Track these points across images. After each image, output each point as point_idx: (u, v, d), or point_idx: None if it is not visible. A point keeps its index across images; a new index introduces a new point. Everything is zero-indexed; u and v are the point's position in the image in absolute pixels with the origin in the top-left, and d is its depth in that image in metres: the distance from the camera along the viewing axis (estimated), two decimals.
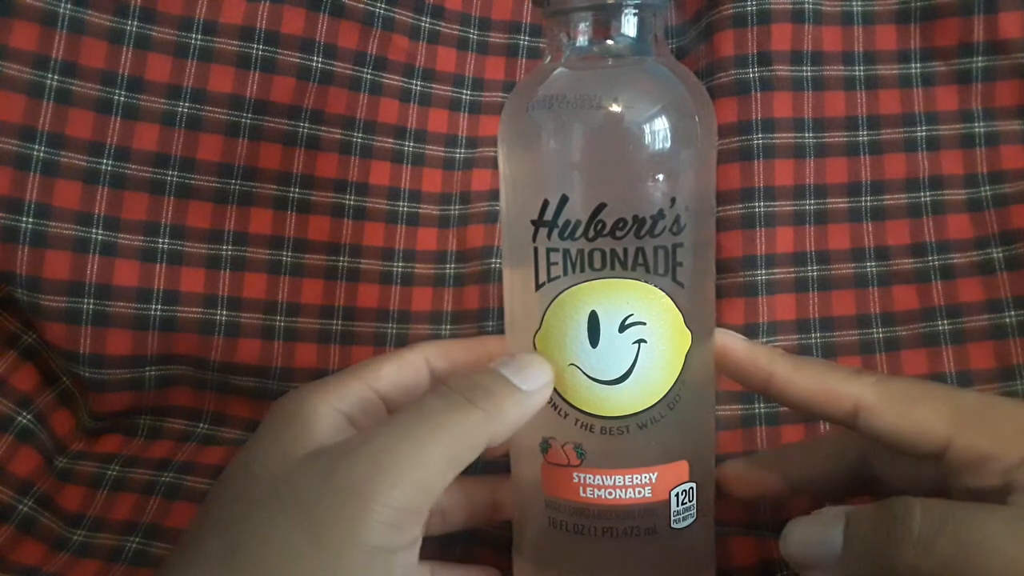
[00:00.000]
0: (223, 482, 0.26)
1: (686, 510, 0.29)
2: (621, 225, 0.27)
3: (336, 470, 0.23)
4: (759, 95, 0.41)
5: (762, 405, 0.40)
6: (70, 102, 0.39)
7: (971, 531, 0.23)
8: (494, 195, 0.43)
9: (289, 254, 0.42)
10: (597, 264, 0.28)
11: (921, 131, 0.41)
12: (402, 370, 0.29)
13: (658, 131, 0.28)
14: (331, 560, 0.22)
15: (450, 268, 0.43)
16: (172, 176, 0.40)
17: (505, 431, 0.26)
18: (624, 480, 0.29)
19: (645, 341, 0.28)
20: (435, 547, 0.38)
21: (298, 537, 0.23)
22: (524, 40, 0.45)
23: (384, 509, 0.23)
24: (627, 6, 0.28)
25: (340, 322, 0.42)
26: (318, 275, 0.42)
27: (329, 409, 0.26)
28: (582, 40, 0.29)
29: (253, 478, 0.25)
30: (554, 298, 0.28)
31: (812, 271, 0.40)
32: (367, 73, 0.43)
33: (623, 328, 0.28)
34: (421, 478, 0.24)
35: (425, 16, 0.44)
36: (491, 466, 0.40)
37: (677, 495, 0.29)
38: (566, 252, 0.28)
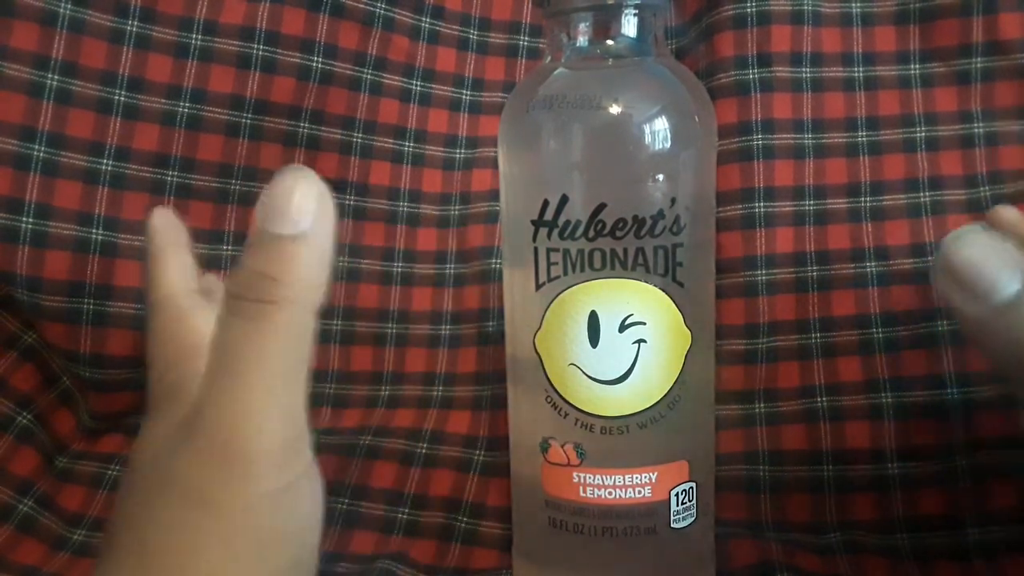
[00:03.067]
0: (126, 471, 0.24)
1: (686, 510, 0.30)
2: (621, 225, 0.28)
3: (202, 442, 0.21)
4: (759, 96, 0.41)
5: (762, 405, 0.40)
6: (70, 102, 0.39)
7: None
8: (494, 195, 0.43)
9: None
10: (597, 264, 0.28)
11: (920, 132, 0.41)
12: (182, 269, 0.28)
13: (658, 131, 0.28)
14: (238, 525, 0.21)
15: (450, 268, 0.43)
16: (172, 176, 0.41)
17: (317, 292, 0.23)
18: (624, 480, 0.29)
19: (645, 341, 0.28)
20: (431, 548, 0.38)
21: (197, 517, 0.21)
22: (524, 40, 0.45)
23: (264, 457, 0.21)
24: (627, 6, 0.28)
25: (339, 322, 0.42)
26: None
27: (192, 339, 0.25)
28: (582, 40, 0.29)
29: (143, 465, 0.23)
30: (554, 298, 0.28)
31: (812, 271, 0.40)
32: (367, 73, 0.43)
33: (623, 328, 0.28)
34: (278, 406, 0.22)
35: (425, 16, 0.44)
36: (490, 466, 0.40)
37: (677, 495, 0.29)
38: (566, 252, 0.28)
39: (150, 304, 0.28)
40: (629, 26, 0.29)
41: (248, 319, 0.21)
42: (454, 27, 0.44)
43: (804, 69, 0.42)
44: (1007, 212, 0.32)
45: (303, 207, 0.22)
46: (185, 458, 0.22)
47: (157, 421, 0.24)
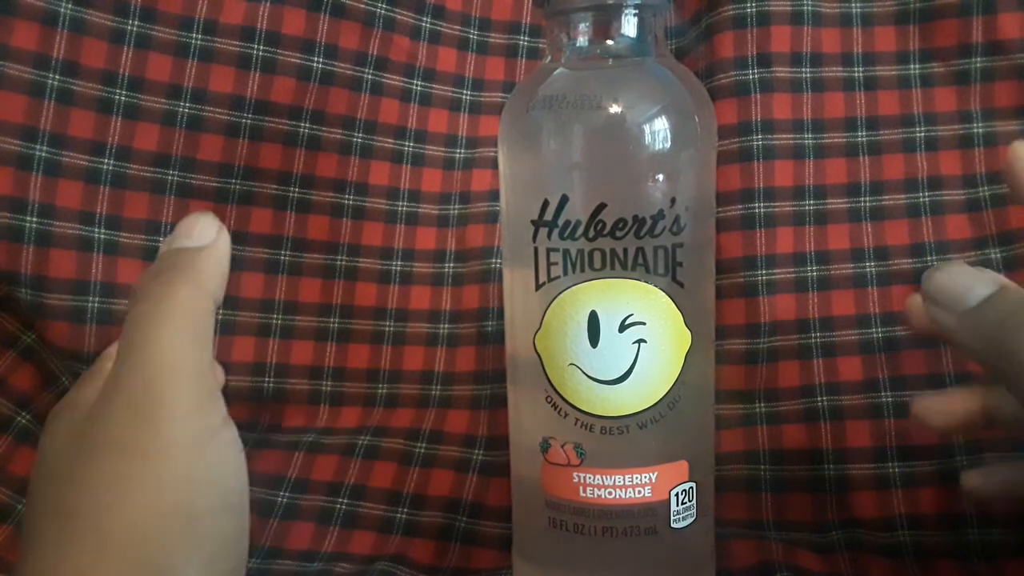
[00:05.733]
0: (39, 454, 0.25)
1: (686, 510, 0.30)
2: (621, 225, 0.28)
3: (120, 397, 0.23)
4: (759, 96, 0.41)
5: (762, 405, 0.40)
6: (71, 102, 0.39)
7: None
8: (494, 195, 0.43)
9: (288, 253, 0.42)
10: (597, 264, 0.28)
11: (920, 132, 0.41)
12: None
13: (658, 131, 0.28)
14: (160, 469, 0.22)
15: (449, 268, 0.43)
16: (173, 176, 0.41)
17: (215, 285, 0.26)
18: (624, 480, 0.29)
19: (645, 341, 0.28)
20: (430, 548, 0.38)
21: (117, 466, 0.22)
22: (524, 40, 0.45)
23: (180, 404, 0.23)
24: (627, 6, 0.28)
25: (337, 320, 0.42)
26: (316, 274, 0.42)
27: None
28: (582, 40, 0.29)
29: (57, 437, 0.24)
30: (554, 298, 0.28)
31: (812, 271, 0.41)
32: (368, 73, 0.43)
33: (623, 328, 0.28)
34: (188, 365, 0.24)
35: (425, 16, 0.44)
36: (489, 466, 0.40)
37: (677, 495, 0.29)
38: (566, 252, 0.28)
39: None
40: (629, 26, 0.29)
41: (156, 298, 0.24)
42: (454, 27, 0.44)
43: (804, 69, 0.42)
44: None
45: (204, 230, 0.27)
46: (103, 414, 0.23)
47: (71, 404, 0.25)
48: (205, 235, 0.27)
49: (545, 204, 0.28)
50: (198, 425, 0.23)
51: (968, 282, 0.26)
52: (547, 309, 0.29)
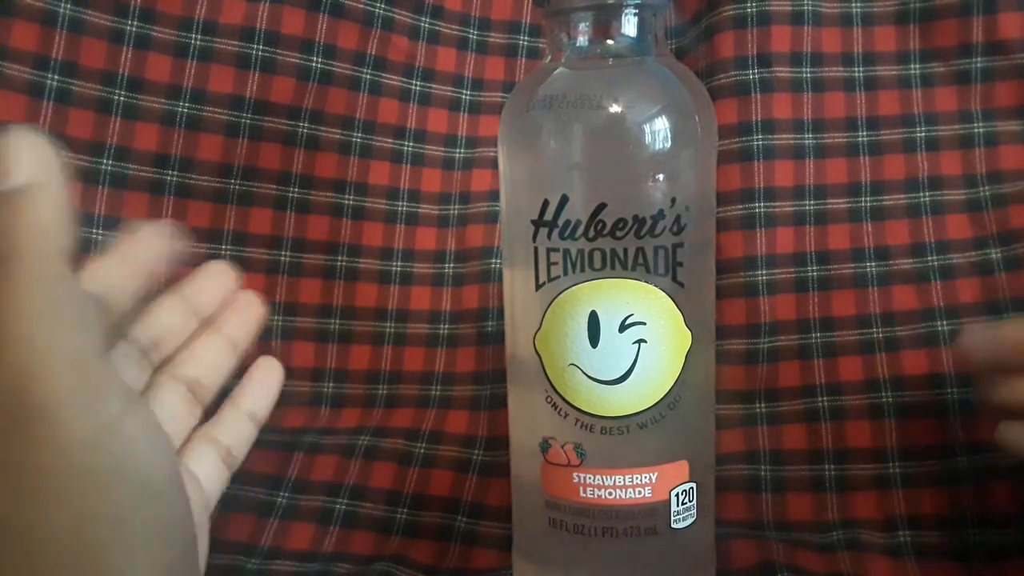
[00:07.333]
0: None
1: (686, 510, 0.29)
2: (621, 225, 0.28)
3: None
4: (759, 96, 0.41)
5: (763, 405, 0.40)
6: (70, 102, 0.39)
7: None
8: (494, 195, 0.43)
9: (287, 254, 0.42)
10: (597, 264, 0.28)
11: (920, 132, 0.41)
12: None
13: (658, 131, 0.28)
14: (56, 467, 0.20)
15: (449, 268, 0.43)
16: (172, 176, 0.40)
17: (55, 238, 0.21)
18: (624, 480, 0.29)
19: (645, 341, 0.28)
20: (430, 548, 0.38)
21: (22, 483, 0.20)
22: (524, 40, 0.45)
23: (58, 406, 0.20)
24: (627, 6, 0.28)
25: (337, 321, 0.42)
26: (316, 275, 0.42)
27: None
28: (582, 40, 0.29)
29: None
30: (554, 298, 0.28)
31: (812, 271, 0.40)
32: (367, 73, 0.43)
33: (623, 328, 0.28)
34: (52, 356, 0.20)
35: (425, 16, 0.44)
36: (489, 466, 0.40)
37: (677, 495, 0.29)
38: (566, 252, 0.28)
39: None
40: (629, 26, 0.29)
41: None
42: (454, 27, 0.44)
43: (804, 69, 0.42)
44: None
45: (18, 161, 0.21)
46: None
47: None
48: (18, 169, 0.21)
49: (545, 204, 0.28)
50: (89, 424, 0.21)
51: None
52: (547, 309, 0.29)
